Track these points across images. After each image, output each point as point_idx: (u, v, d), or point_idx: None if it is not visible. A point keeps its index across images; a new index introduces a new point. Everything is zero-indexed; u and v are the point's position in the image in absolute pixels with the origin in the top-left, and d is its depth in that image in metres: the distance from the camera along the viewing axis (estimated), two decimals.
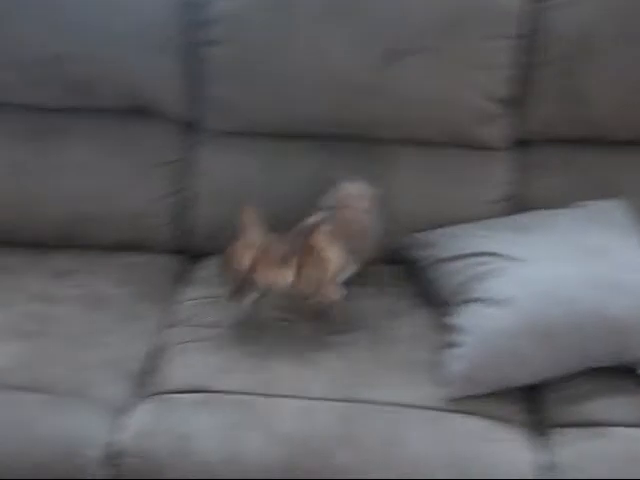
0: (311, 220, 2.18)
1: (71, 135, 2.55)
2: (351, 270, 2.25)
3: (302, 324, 2.21)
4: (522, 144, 2.50)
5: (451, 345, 2.06)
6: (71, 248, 2.51)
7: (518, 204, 2.46)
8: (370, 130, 2.46)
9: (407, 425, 1.94)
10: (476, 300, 2.08)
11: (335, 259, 2.17)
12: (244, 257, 2.06)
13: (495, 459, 1.90)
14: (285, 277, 2.09)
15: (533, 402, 2.06)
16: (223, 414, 1.97)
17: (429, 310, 2.27)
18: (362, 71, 2.38)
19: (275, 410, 1.97)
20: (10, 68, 2.50)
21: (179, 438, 1.92)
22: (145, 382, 2.10)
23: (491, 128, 2.44)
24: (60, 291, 2.34)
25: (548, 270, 2.08)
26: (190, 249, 2.50)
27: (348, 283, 2.25)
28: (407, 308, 2.29)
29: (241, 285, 2.06)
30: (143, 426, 1.96)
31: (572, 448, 1.92)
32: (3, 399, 2.01)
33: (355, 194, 2.29)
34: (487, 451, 1.91)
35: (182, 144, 2.55)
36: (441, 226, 2.39)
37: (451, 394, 1.99)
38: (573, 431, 1.96)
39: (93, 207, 2.50)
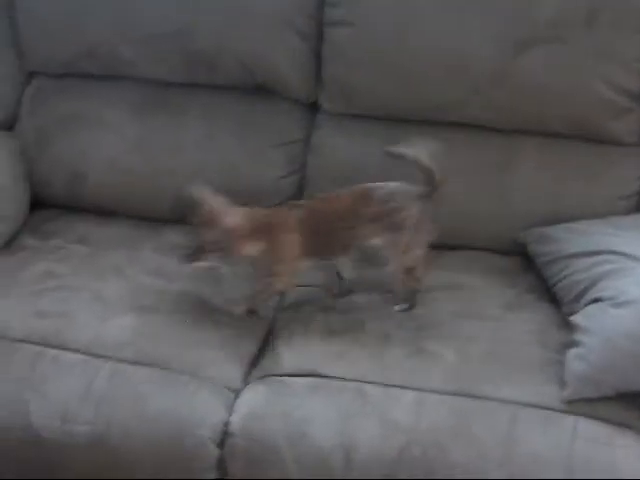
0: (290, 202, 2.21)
1: (191, 111, 2.55)
2: (309, 264, 2.20)
3: None
4: None
5: (571, 344, 1.99)
6: (186, 224, 2.52)
7: None
8: (493, 119, 2.40)
9: (523, 424, 1.89)
10: (600, 300, 2.01)
11: (292, 245, 2.13)
12: (227, 221, 2.09)
13: (613, 465, 1.84)
14: (252, 249, 2.12)
15: None
16: (337, 401, 1.94)
17: (549, 306, 2.21)
18: (490, 59, 2.32)
19: (389, 400, 1.94)
20: (134, 42, 2.51)
21: (293, 422, 1.91)
22: (257, 363, 2.10)
23: (621, 122, 2.35)
24: (174, 266, 2.34)
25: None
26: None
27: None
28: (526, 302, 2.23)
29: (207, 248, 2.11)
30: (256, 408, 1.95)
31: None
32: (117, 373, 2.02)
33: (351, 191, 2.17)
34: (605, 456, 1.85)
35: (303, 125, 2.53)
36: (563, 221, 2.32)
37: (569, 395, 1.93)
38: None
39: (210, 184, 2.48)
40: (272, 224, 2.13)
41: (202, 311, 2.20)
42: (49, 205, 2.62)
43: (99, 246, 2.43)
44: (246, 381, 2.04)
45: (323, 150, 2.50)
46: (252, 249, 2.12)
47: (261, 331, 2.20)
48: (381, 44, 2.38)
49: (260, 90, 2.52)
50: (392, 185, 2.15)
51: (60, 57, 2.59)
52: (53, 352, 2.06)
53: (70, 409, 1.96)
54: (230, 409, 1.96)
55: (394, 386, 1.97)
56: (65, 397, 1.98)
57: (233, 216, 2.11)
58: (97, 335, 2.11)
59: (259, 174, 2.50)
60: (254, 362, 2.11)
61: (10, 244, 2.46)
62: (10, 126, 2.64)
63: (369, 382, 1.97)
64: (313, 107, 2.53)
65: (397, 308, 2.20)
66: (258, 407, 1.95)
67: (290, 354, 2.07)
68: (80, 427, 1.94)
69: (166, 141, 2.53)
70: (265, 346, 2.15)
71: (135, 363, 2.04)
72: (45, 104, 2.61)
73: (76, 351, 2.06)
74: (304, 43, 2.44)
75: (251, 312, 2.21)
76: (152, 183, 2.52)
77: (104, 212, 2.56)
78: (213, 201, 2.13)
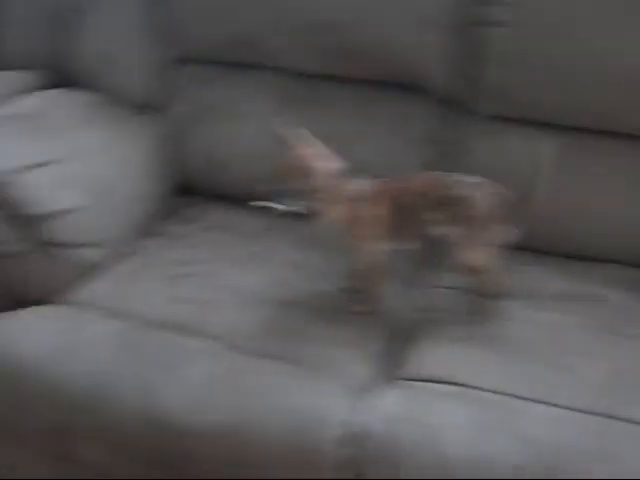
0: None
1: (339, 106, 2.51)
2: (393, 245, 2.09)
3: None
4: None
5: None
6: None
7: None
8: None
9: None
10: None
11: (378, 219, 2.03)
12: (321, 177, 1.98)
13: None
14: (336, 215, 2.02)
15: None
16: (473, 411, 1.87)
17: None
18: None
19: (529, 415, 1.85)
20: (288, 32, 2.49)
21: (423, 430, 1.83)
22: (389, 365, 2.05)
23: None
24: (313, 261, 2.31)
25: None
26: None
27: None
28: None
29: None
30: (386, 412, 1.89)
31: None
32: (247, 364, 1.99)
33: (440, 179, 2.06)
34: None
35: (444, 125, 2.47)
36: None
37: None
38: None
39: None
40: (362, 194, 2.04)
41: (336, 308, 2.16)
42: (190, 192, 2.63)
43: (238, 235, 2.43)
44: (376, 382, 1.99)
45: (468, 154, 2.42)
46: (336, 215, 2.03)
47: (395, 332, 2.14)
48: (543, 46, 2.29)
49: (404, 87, 2.47)
50: (468, 177, 2.06)
51: (212, 44, 2.59)
52: (185, 339, 2.06)
53: (200, 397, 1.94)
54: (358, 410, 1.91)
55: (534, 400, 1.88)
56: (196, 384, 1.96)
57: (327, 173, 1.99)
58: (230, 325, 2.09)
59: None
60: (385, 363, 2.06)
61: (149, 228, 2.48)
62: (157, 111, 2.65)
63: (508, 394, 1.90)
64: (459, 108, 2.46)
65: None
66: (388, 411, 1.89)
67: (424, 358, 2.02)
68: (210, 416, 1.92)
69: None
70: (398, 347, 2.10)
71: (265, 356, 2.01)
72: (192, 91, 2.62)
73: (208, 339, 2.05)
74: (450, 40, 2.38)
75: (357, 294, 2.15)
76: None
77: (245, 202, 2.54)
78: (307, 148, 2.01)
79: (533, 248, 2.33)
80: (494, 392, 1.90)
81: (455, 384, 1.93)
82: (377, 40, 2.42)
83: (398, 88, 2.49)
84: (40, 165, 2.22)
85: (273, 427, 1.90)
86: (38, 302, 2.20)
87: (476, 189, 2.03)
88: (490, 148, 2.40)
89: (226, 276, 2.25)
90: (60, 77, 2.72)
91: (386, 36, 2.41)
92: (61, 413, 2.02)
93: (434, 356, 2.02)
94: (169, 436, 1.94)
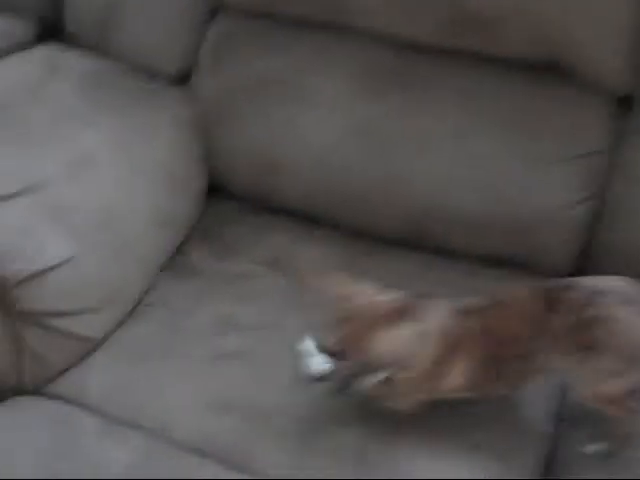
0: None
1: (445, 90, 1.78)
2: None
3: None
4: None
5: None
6: (416, 250, 1.79)
7: None
8: None
9: None
10: None
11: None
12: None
13: None
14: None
15: None
16: None
17: None
18: None
19: None
20: None
21: None
22: None
23: None
24: None
25: None
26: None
27: None
28: None
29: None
30: None
31: None
32: None
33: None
34: None
35: (611, 128, 1.72)
36: None
37: None
38: None
39: (458, 200, 1.74)
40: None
41: None
42: (231, 204, 1.92)
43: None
44: None
45: (636, 169, 1.69)
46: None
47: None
48: None
49: (551, 70, 1.72)
50: (598, 282, 1.41)
51: None
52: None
53: None
54: None
55: None
56: None
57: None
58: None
59: (537, 195, 1.71)
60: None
61: (177, 260, 1.77)
62: (183, 80, 1.90)
63: None
64: (627, 104, 1.72)
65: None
66: None
67: None
68: None
69: (402, 130, 1.77)
70: None
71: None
72: (234, 55, 1.88)
73: None
74: (626, 13, 1.62)
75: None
76: (375, 189, 1.78)
77: (304, 220, 1.85)
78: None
79: None
80: None
81: None
82: (516, 7, 1.67)
83: (541, 72, 1.74)
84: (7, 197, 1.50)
85: None
86: (17, 393, 1.54)
87: (617, 302, 1.36)
88: None
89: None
90: (52, 27, 1.99)
91: (529, 3, 1.66)
92: None
93: None
94: None
